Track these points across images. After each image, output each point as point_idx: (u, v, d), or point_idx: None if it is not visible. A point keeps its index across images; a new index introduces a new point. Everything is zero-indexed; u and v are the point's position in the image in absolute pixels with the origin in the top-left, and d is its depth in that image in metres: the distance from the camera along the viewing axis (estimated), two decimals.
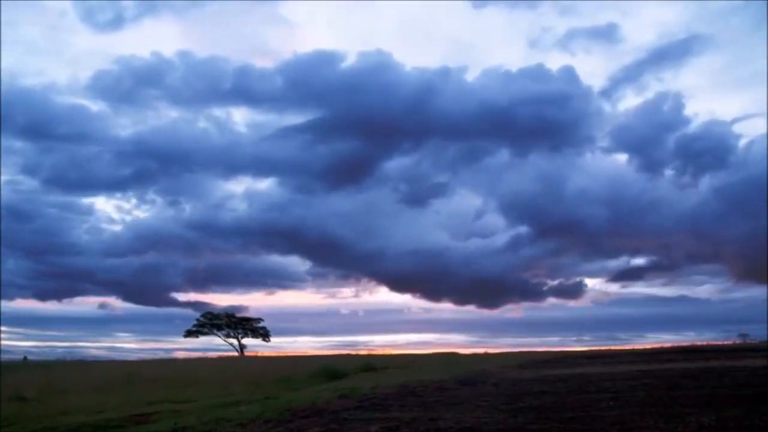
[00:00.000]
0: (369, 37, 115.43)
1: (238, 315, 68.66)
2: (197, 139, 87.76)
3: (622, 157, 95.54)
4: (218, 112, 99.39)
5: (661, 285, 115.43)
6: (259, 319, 69.00)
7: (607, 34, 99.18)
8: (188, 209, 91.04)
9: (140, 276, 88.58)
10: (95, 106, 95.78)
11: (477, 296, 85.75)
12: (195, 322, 67.48)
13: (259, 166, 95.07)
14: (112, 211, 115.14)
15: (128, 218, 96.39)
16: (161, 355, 58.61)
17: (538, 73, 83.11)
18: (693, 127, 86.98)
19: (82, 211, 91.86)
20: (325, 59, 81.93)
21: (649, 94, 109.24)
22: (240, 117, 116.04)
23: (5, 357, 43.05)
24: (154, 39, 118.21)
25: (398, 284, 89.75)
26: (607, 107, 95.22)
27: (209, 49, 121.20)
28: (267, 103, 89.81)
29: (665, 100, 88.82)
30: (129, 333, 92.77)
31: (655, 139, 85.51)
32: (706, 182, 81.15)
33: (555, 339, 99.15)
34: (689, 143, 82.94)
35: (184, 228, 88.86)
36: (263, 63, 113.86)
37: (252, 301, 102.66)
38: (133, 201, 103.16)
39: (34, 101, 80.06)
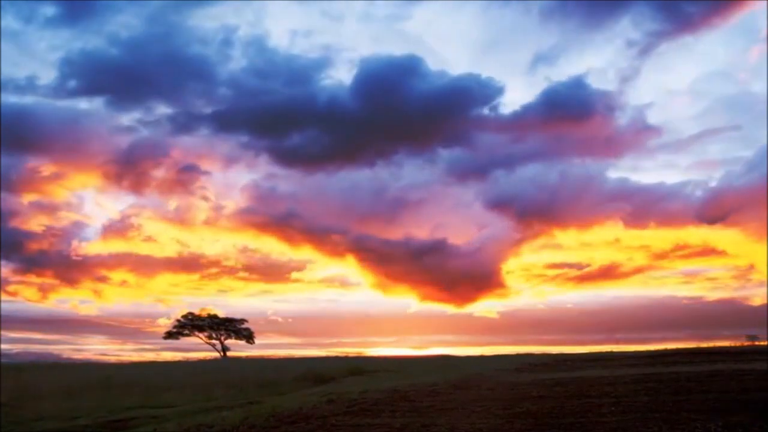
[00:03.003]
0: None
1: (221, 316, 68.58)
2: None
3: None
4: None
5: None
6: (242, 320, 68.94)
7: None
8: None
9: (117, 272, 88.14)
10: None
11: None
12: (175, 323, 67.37)
13: None
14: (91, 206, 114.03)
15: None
16: (141, 357, 58.39)
17: None
18: None
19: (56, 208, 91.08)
20: None
21: None
22: None
23: None
24: None
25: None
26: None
27: None
28: None
29: None
30: (105, 334, 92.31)
31: None
32: None
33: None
34: None
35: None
36: None
37: (234, 300, 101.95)
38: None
39: None
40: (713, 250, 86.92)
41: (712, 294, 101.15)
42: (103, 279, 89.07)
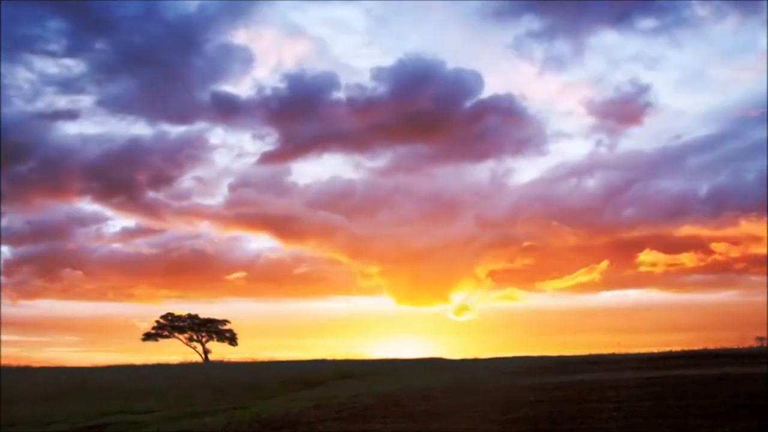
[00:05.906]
0: None
1: (202, 316, 68.27)
2: None
3: None
4: None
5: None
6: (225, 321, 68.65)
7: None
8: None
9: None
10: None
11: None
12: (155, 325, 67.06)
13: None
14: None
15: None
16: (119, 359, 58.18)
17: None
18: None
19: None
20: None
21: None
22: None
23: None
24: None
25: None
26: None
27: None
28: None
29: None
30: (81, 336, 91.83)
31: None
32: None
33: None
34: None
35: None
36: None
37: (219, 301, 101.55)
38: None
39: None
40: (715, 248, 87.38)
41: (714, 294, 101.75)
42: (81, 279, 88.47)
